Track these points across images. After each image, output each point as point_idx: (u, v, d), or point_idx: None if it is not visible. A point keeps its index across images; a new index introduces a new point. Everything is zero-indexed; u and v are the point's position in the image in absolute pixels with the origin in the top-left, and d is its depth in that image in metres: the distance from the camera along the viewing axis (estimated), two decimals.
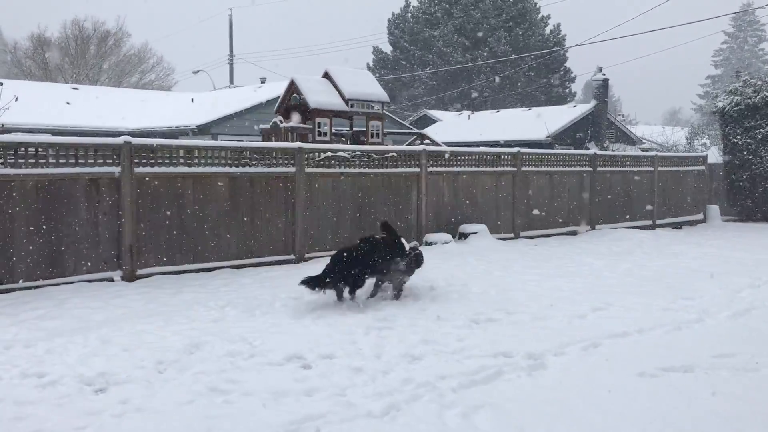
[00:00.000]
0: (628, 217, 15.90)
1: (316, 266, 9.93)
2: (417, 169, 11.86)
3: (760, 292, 8.72)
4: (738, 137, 19.17)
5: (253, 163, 9.84)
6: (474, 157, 12.82)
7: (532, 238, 13.54)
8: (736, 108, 19.08)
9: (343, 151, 10.71)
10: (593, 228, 14.99)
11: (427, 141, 18.71)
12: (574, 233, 14.49)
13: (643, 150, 28.42)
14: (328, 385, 5.08)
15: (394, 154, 11.47)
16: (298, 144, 10.36)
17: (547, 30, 52.04)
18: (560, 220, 14.37)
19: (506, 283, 9.00)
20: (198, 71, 44.80)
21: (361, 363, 5.59)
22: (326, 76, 13.64)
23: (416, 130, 20.98)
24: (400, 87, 51.81)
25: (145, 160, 8.95)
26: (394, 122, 22.82)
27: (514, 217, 13.46)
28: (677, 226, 17.09)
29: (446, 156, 12.37)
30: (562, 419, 4.47)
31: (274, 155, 10.09)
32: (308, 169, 10.36)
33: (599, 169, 15.18)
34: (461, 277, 9.23)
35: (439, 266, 9.92)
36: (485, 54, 48.01)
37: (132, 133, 22.32)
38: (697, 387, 5.09)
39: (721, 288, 8.93)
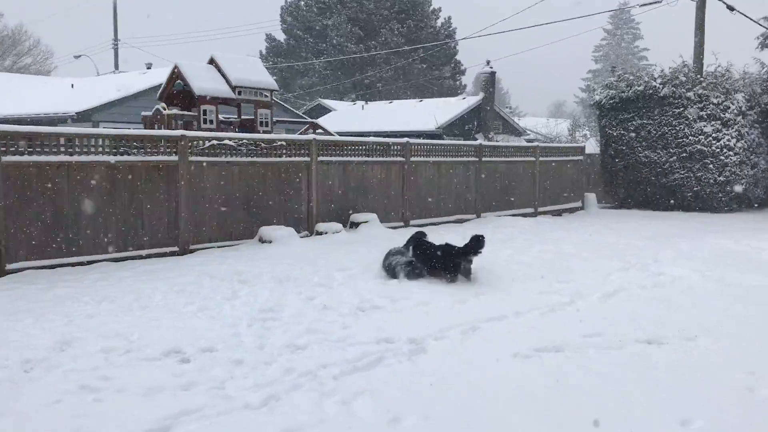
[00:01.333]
0: (512, 205, 16.53)
1: (202, 258, 9.75)
2: (307, 159, 11.79)
3: (628, 275, 9.30)
4: (613, 129, 20.33)
5: (134, 151, 9.44)
6: (364, 147, 12.90)
7: (421, 226, 13.77)
8: (611, 101, 20.22)
9: (230, 139, 10.48)
10: (479, 216, 15.48)
11: (319, 130, 18.65)
12: (461, 221, 14.91)
13: (528, 141, 29.62)
14: (207, 379, 4.97)
15: (284, 143, 11.35)
16: (180, 132, 10.04)
17: (438, 23, 53.02)
18: (448, 209, 14.73)
19: None
20: (80, 56, 42.41)
21: (243, 355, 5.51)
22: (212, 62, 13.27)
23: (309, 119, 20.86)
24: (294, 76, 51.29)
25: (13, 149, 8.39)
26: (287, 111, 22.60)
27: (403, 206, 13.67)
28: (558, 213, 17.94)
29: (337, 146, 12.37)
30: (439, 401, 4.59)
31: (155, 143, 9.72)
32: (192, 158, 10.07)
33: (485, 159, 15.67)
34: (350, 266, 9.27)
35: (327, 256, 9.94)
36: (378, 45, 48.32)
37: (6, 120, 20.86)
38: (566, 365, 5.37)
39: (594, 271, 9.46)
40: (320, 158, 11.98)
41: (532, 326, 6.55)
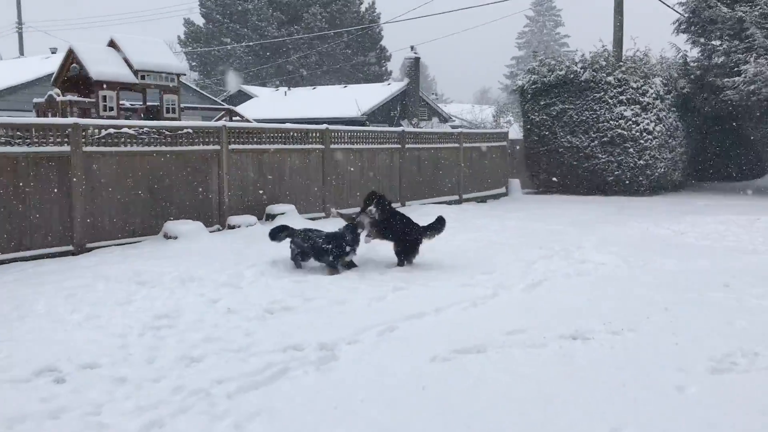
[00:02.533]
0: (436, 192, 16.20)
1: (99, 257, 8.92)
2: (217, 147, 11.03)
3: (551, 263, 9.03)
4: (536, 114, 20.30)
5: (17, 141, 8.49)
6: (281, 135, 12.23)
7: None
8: (533, 86, 20.16)
9: (129, 127, 9.63)
10: (404, 204, 15.05)
11: (236, 117, 17.80)
12: None
13: (453, 127, 29.45)
14: (82, 403, 4.30)
15: (190, 131, 10.55)
16: (73, 119, 9.14)
17: (363, 7, 52.32)
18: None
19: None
20: None
21: (128, 371, 4.85)
22: (112, 44, 12.26)
23: (225, 106, 19.92)
24: (215, 62, 49.63)
25: None
26: (205, 98, 21.58)
27: (324, 196, 13.09)
28: (482, 200, 17.73)
29: (250, 133, 11.65)
30: (347, 421, 4.07)
31: (43, 133, 8.79)
32: (87, 148, 9.19)
33: (408, 146, 15.25)
34: (262, 262, 8.65)
35: (239, 251, 9.28)
36: (301, 29, 47.25)
37: None
38: (488, 369, 4.94)
39: (518, 260, 9.15)
40: (232, 146, 11.24)
41: (453, 323, 6.11)
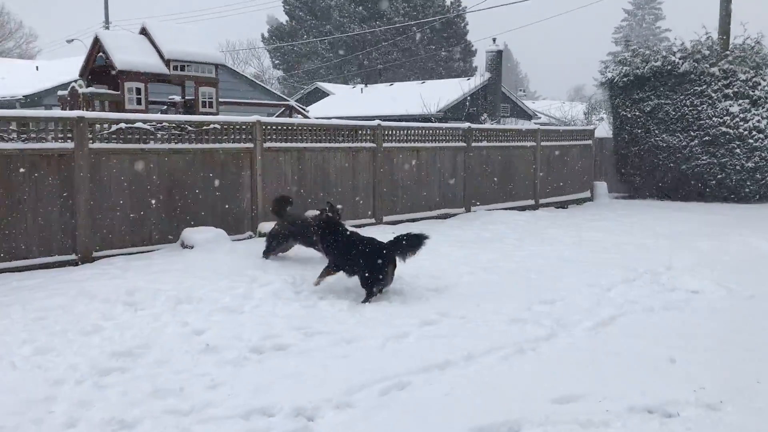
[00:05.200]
0: (507, 197, 14.51)
1: (98, 269, 7.89)
2: (250, 145, 9.86)
3: (632, 289, 7.30)
4: (627, 110, 18.18)
5: (12, 137, 7.57)
6: (326, 131, 10.95)
7: (395, 223, 11.82)
8: (624, 79, 18.04)
9: (144, 121, 8.57)
10: (468, 210, 13.48)
11: (297, 115, 16.75)
12: (446, 216, 12.92)
13: (540, 124, 27.42)
14: None
15: (218, 126, 9.41)
16: (77, 112, 8.13)
17: (448, 1, 50.58)
18: (430, 202, 12.75)
19: (331, 284, 7.20)
20: (72, 40, 40.77)
21: None
22: (144, 32, 11.33)
23: (288, 101, 18.92)
24: (296, 58, 49.30)
25: None
26: (267, 92, 20.73)
27: (374, 201, 11.71)
28: (562, 205, 15.87)
29: (290, 129, 10.43)
30: None
31: (43, 127, 7.85)
32: (94, 145, 8.19)
33: (474, 144, 13.64)
34: (281, 279, 7.36)
35: (261, 265, 8.03)
36: (383, 25, 46.10)
37: None
38: None
39: (590, 285, 7.47)
40: (268, 144, 10.05)
41: (483, 382, 4.59)
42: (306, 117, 15.76)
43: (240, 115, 10.79)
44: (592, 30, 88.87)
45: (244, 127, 9.78)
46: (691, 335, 5.59)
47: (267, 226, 9.66)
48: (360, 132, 11.40)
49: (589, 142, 17.19)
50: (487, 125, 16.87)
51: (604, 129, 21.97)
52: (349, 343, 5.38)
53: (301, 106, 18.73)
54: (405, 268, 7.36)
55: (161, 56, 11.01)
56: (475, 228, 11.69)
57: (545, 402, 4.21)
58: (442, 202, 13.01)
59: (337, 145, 11.06)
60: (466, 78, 32.17)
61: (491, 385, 4.51)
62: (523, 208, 14.44)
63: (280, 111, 16.97)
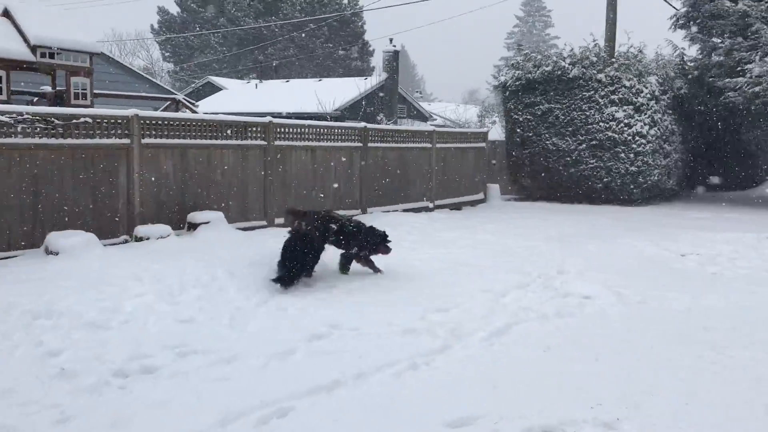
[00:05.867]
0: (404, 198, 14.31)
1: None
2: (126, 141, 9.07)
3: (526, 295, 7.18)
4: (519, 113, 18.48)
5: None
6: (213, 127, 10.28)
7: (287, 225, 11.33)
8: (517, 83, 18.33)
9: (2, 113, 7.64)
10: (365, 212, 13.15)
11: (184, 109, 15.85)
12: None
13: (436, 127, 27.59)
14: None
15: (89, 120, 8.56)
16: None
17: (345, 0, 50.27)
18: (325, 204, 12.31)
19: (212, 295, 6.64)
20: None
21: None
22: (6, 14, 10.23)
23: (174, 94, 17.91)
24: (188, 52, 47.48)
25: None
26: (152, 85, 19.61)
27: (266, 202, 11.16)
28: (457, 207, 15.87)
29: (173, 125, 9.70)
30: None
31: None
32: None
33: (371, 144, 13.35)
34: (155, 290, 6.72)
35: (131, 273, 7.32)
36: (278, 20, 45.19)
37: None
38: None
39: (485, 290, 7.29)
40: (146, 140, 9.29)
41: (373, 404, 4.22)
42: (194, 112, 14.91)
43: (123, 108, 9.96)
44: (486, 35, 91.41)
45: (120, 121, 8.97)
46: (586, 344, 5.48)
47: (144, 230, 8.93)
48: (250, 129, 10.81)
49: (483, 144, 17.32)
50: (383, 125, 16.65)
51: (497, 132, 22.35)
52: (228, 363, 4.88)
53: (189, 100, 17.81)
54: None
55: (26, 42, 9.96)
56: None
57: (439, 426, 3.90)
58: (338, 203, 12.60)
59: (224, 142, 10.42)
60: (364, 78, 31.95)
61: (382, 408, 4.15)
62: (419, 210, 14.29)
63: (166, 105, 16.02)
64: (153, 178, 9.41)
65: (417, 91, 51.95)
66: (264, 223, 11.10)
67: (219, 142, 10.32)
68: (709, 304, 6.90)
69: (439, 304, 6.65)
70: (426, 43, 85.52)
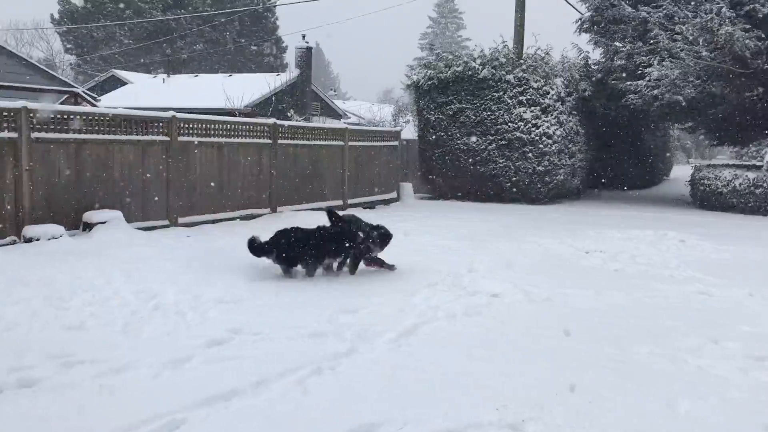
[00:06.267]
0: (316, 197, 14.08)
1: None
2: (13, 134, 8.44)
3: (435, 294, 7.12)
4: (431, 113, 18.59)
5: None
6: (112, 122, 9.73)
7: (193, 225, 10.91)
8: (429, 82, 18.44)
9: None
10: (275, 210, 12.85)
11: (84, 103, 15.01)
12: (251, 217, 12.19)
13: (349, 125, 27.40)
14: None
15: None
16: None
17: None
18: (233, 203, 11.94)
19: (107, 299, 6.23)
20: None
21: None
22: None
23: (74, 87, 16.96)
24: (92, 44, 45.35)
25: None
26: (50, 77, 18.48)
27: (168, 200, 10.68)
28: (370, 206, 15.79)
29: (68, 119, 9.10)
30: None
31: None
32: None
33: (282, 141, 13.05)
34: (27, 299, 6.24)
35: (24, 278, 6.79)
36: (187, 13, 43.85)
37: None
38: None
39: (394, 290, 7.20)
40: (38, 134, 8.68)
41: (275, 413, 4.00)
42: (95, 106, 14.14)
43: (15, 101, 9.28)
44: (401, 36, 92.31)
45: (5, 114, 8.33)
46: (493, 343, 5.45)
47: (34, 230, 8.33)
48: (152, 124, 10.31)
49: (396, 143, 17.31)
50: (294, 122, 16.34)
51: (410, 131, 22.44)
52: (118, 373, 4.54)
53: (90, 94, 16.95)
54: (184, 277, 6.59)
55: None
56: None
57: None
58: (247, 202, 12.25)
59: (124, 137, 9.89)
60: (276, 74, 31.42)
61: (283, 417, 3.94)
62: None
63: (64, 98, 15.14)
64: (45, 176, 8.81)
65: (331, 89, 51.62)
66: (166, 222, 10.63)
67: (118, 137, 9.79)
68: (612, 300, 7.05)
69: (348, 305, 6.49)
70: (342, 42, 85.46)
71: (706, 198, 17.30)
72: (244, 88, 26.84)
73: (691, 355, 5.23)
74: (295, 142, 13.46)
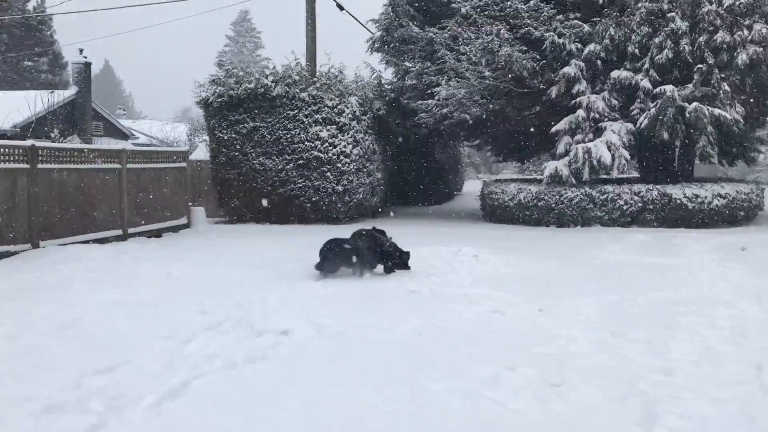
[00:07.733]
0: (89, 227, 12.43)
1: None
2: None
3: (215, 338, 6.21)
4: (224, 132, 17.56)
5: None
6: None
7: None
8: (219, 99, 17.40)
9: None
10: (36, 246, 11.07)
11: None
12: (5, 255, 10.35)
13: (139, 145, 25.29)
14: None
15: None
16: None
17: (30, 5, 44.74)
18: None
19: None
20: None
21: None
22: None
23: None
24: None
25: None
26: None
27: None
28: (157, 234, 14.35)
29: None
30: None
31: None
32: None
33: (43, 166, 11.32)
34: None
35: None
36: None
37: None
38: None
39: (166, 337, 6.18)
40: None
41: None
42: None
43: None
44: (199, 54, 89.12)
45: None
46: (277, 401, 4.65)
47: None
48: None
49: (184, 164, 16.03)
50: (59, 144, 14.46)
51: (202, 151, 21.14)
52: None
53: None
54: None
55: None
56: (37, 271, 9.48)
57: None
58: None
59: None
60: (50, 91, 28.32)
61: None
62: (107, 240, 12.53)
63: None
64: None
65: (120, 108, 48.16)
66: None
67: None
68: (408, 328, 6.60)
69: (103, 361, 5.38)
70: (136, 61, 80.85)
71: (495, 212, 17.99)
72: (12, 107, 23.79)
73: (488, 389, 4.85)
74: (61, 166, 11.77)
